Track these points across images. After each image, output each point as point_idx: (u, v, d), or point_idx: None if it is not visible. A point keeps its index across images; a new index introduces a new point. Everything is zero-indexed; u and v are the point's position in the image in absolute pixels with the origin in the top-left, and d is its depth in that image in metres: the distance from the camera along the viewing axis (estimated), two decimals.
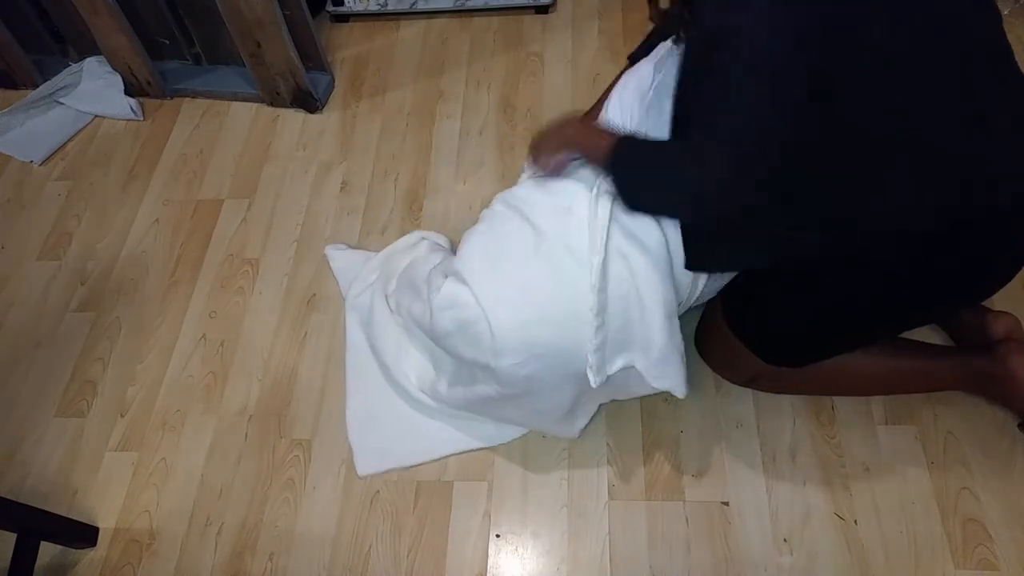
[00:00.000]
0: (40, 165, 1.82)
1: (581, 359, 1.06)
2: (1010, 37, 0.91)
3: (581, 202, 1.07)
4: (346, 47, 1.99)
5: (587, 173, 1.10)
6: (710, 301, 1.27)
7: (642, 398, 1.33)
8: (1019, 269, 1.02)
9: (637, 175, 0.97)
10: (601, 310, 1.03)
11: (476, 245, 1.17)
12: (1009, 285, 1.04)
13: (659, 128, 1.07)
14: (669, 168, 0.93)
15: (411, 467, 1.31)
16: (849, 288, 1.03)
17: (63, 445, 1.39)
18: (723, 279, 1.17)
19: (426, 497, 1.28)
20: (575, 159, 1.11)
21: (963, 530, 1.17)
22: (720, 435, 1.29)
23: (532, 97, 1.81)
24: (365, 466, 1.31)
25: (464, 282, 1.12)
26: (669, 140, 1.01)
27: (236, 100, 1.89)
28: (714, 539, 1.20)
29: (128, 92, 1.88)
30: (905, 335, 1.27)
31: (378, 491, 1.29)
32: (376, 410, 1.36)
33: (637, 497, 1.25)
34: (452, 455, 1.31)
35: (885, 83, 0.85)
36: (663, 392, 1.13)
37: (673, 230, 1.07)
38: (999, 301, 1.32)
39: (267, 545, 1.26)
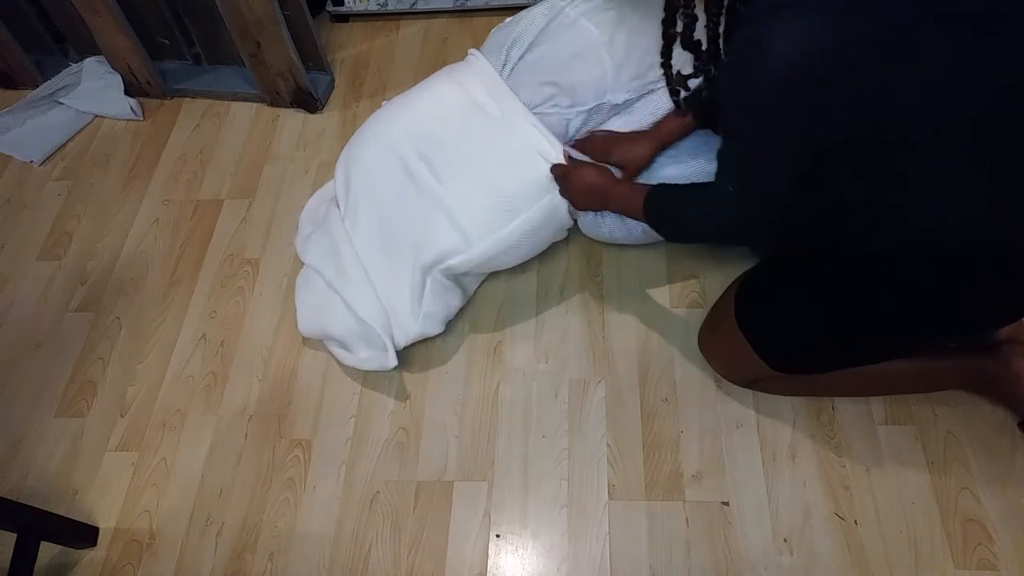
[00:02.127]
0: (40, 165, 1.82)
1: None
2: None
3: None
4: (346, 47, 1.99)
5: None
6: (718, 304, 1.27)
7: (641, 398, 1.34)
8: None
9: (670, 223, 1.12)
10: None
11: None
12: None
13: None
14: (695, 215, 1.07)
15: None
16: (875, 304, 1.01)
17: (63, 445, 1.39)
18: None
19: (426, 497, 1.28)
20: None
21: (963, 530, 1.17)
22: (720, 435, 1.29)
23: None
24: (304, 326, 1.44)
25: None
26: (693, 187, 1.09)
27: (236, 100, 1.89)
28: (714, 539, 1.20)
29: (128, 92, 1.88)
30: None
31: (378, 491, 1.29)
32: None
33: (637, 497, 1.25)
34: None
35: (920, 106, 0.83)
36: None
37: None
38: None
39: (267, 545, 1.26)
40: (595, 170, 1.24)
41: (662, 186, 1.13)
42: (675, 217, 1.11)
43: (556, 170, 1.29)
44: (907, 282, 0.97)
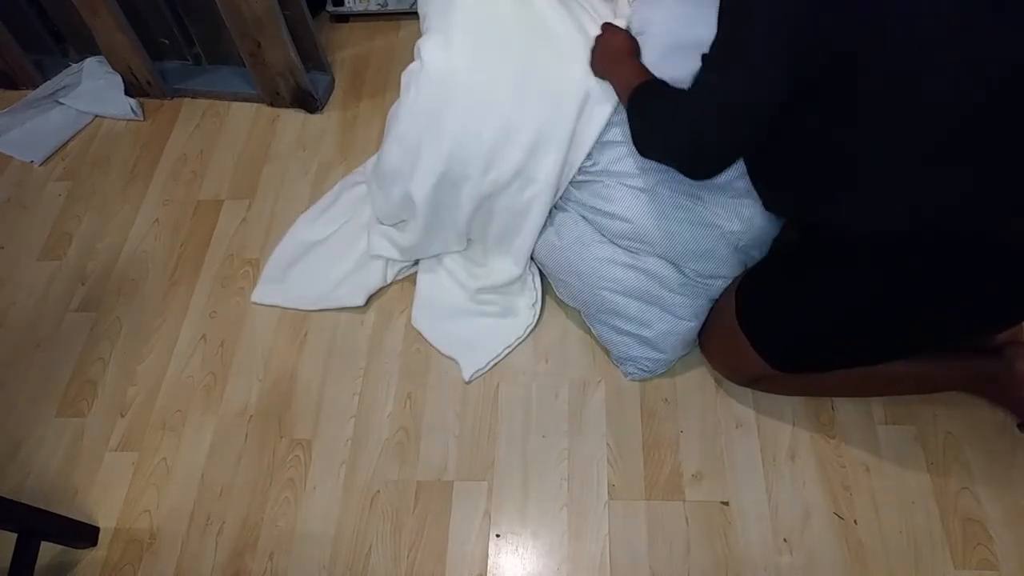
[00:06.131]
0: (40, 165, 1.82)
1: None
2: None
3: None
4: (346, 47, 1.99)
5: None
6: (719, 303, 1.27)
7: (642, 399, 1.34)
8: None
9: (641, 115, 1.07)
10: None
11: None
12: None
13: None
14: (668, 105, 1.02)
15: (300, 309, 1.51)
16: (868, 291, 1.01)
17: (63, 445, 1.39)
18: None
19: (426, 497, 1.28)
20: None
21: (963, 530, 1.17)
22: (720, 435, 1.29)
23: None
24: (261, 295, 1.53)
25: None
26: (675, 88, 1.05)
27: (236, 100, 1.89)
28: (714, 539, 1.20)
29: (128, 92, 1.88)
30: None
31: (378, 491, 1.29)
32: (304, 249, 1.57)
33: (637, 497, 1.25)
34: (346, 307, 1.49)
35: (908, 64, 0.84)
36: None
37: None
38: None
39: (267, 545, 1.26)
40: (626, 37, 1.21)
41: (657, 79, 1.10)
42: (650, 105, 1.06)
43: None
44: (900, 276, 0.97)
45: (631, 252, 1.26)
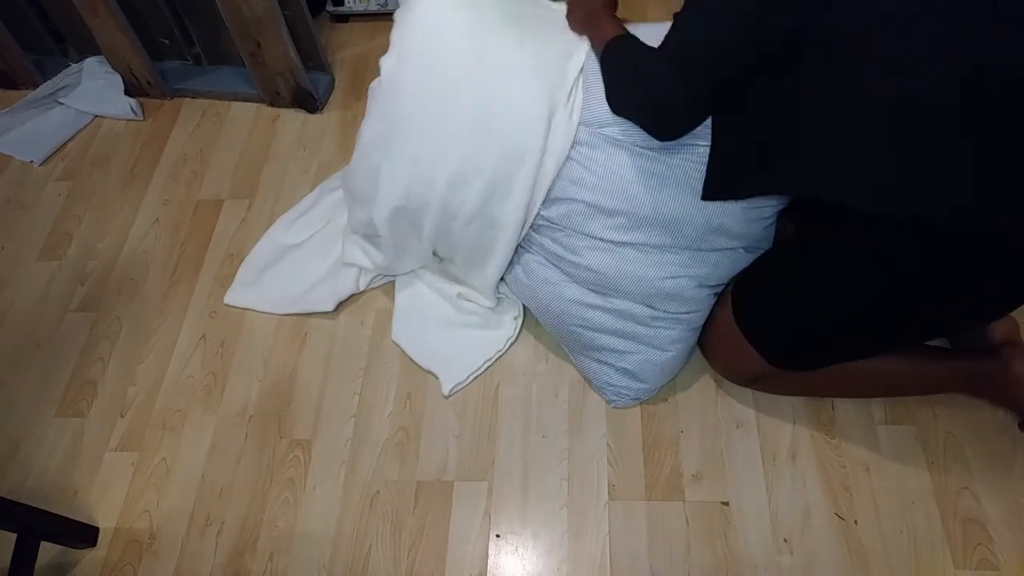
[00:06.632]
0: (40, 165, 1.82)
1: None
2: None
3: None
4: (346, 47, 1.99)
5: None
6: (717, 302, 1.27)
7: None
8: None
9: (612, 71, 1.09)
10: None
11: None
12: None
13: None
14: (633, 63, 1.04)
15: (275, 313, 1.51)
16: (868, 290, 1.01)
17: (63, 445, 1.39)
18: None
19: (426, 497, 1.28)
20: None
21: (963, 530, 1.17)
22: (720, 435, 1.29)
23: None
24: (234, 298, 1.53)
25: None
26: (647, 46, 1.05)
27: (236, 100, 1.89)
28: (714, 539, 1.20)
29: (128, 92, 1.88)
30: None
31: (378, 491, 1.29)
32: (280, 253, 1.57)
33: (637, 497, 1.25)
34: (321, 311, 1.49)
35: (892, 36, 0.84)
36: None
37: None
38: None
39: (267, 545, 1.26)
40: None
41: (630, 34, 1.10)
42: (620, 62, 1.07)
43: None
44: (900, 276, 0.97)
45: (600, 294, 1.24)
